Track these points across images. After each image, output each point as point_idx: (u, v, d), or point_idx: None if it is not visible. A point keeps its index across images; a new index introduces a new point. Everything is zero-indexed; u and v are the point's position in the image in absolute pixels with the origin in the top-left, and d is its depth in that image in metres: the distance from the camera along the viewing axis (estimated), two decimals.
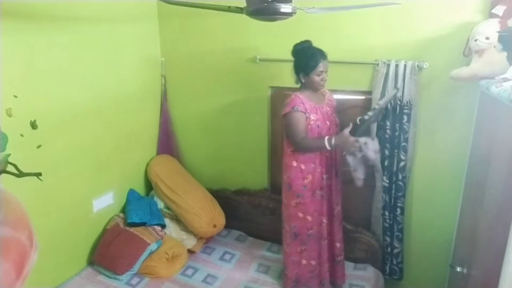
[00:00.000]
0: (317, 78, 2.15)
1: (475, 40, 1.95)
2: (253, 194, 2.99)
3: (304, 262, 2.36)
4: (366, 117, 2.21)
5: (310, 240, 2.32)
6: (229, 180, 3.12)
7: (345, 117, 2.38)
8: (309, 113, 2.18)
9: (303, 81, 2.20)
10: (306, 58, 2.15)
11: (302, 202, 2.27)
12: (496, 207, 1.68)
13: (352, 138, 2.08)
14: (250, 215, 3.00)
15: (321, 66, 2.13)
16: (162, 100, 3.11)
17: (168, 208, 2.92)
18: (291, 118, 2.17)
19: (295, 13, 1.50)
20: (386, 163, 2.48)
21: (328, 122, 2.23)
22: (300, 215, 2.29)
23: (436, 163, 2.46)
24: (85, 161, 2.51)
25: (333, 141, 2.11)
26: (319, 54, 2.14)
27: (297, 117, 2.16)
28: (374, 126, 2.43)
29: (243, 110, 2.91)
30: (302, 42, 2.20)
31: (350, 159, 2.15)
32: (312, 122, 2.18)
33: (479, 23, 2.00)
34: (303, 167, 2.23)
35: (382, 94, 2.39)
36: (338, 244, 2.43)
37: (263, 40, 2.66)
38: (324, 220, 2.32)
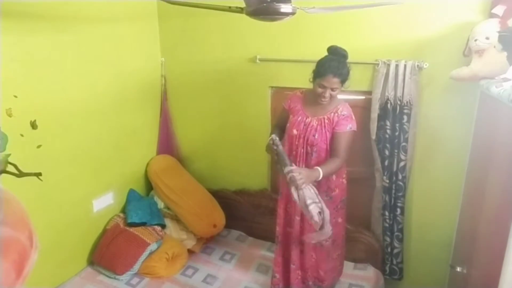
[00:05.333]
0: (318, 90, 2.00)
1: (475, 40, 1.95)
2: (253, 194, 2.99)
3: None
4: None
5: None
6: (229, 180, 3.11)
7: None
8: (291, 113, 2.18)
9: (311, 81, 2.07)
10: (321, 62, 2.00)
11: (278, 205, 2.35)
12: (496, 207, 1.68)
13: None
14: (250, 215, 3.00)
15: (325, 80, 1.96)
16: (162, 100, 3.11)
17: (168, 208, 2.93)
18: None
19: (295, 13, 1.50)
20: (386, 163, 2.48)
21: (302, 134, 2.10)
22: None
23: (436, 163, 2.46)
24: (85, 161, 2.51)
25: (273, 136, 2.06)
26: (333, 70, 1.94)
27: (281, 109, 2.31)
28: (374, 126, 2.43)
29: (243, 110, 2.91)
30: (337, 48, 2.02)
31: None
32: (289, 125, 2.19)
33: (479, 23, 2.00)
34: None
35: (382, 94, 2.39)
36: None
37: (263, 40, 2.66)
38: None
